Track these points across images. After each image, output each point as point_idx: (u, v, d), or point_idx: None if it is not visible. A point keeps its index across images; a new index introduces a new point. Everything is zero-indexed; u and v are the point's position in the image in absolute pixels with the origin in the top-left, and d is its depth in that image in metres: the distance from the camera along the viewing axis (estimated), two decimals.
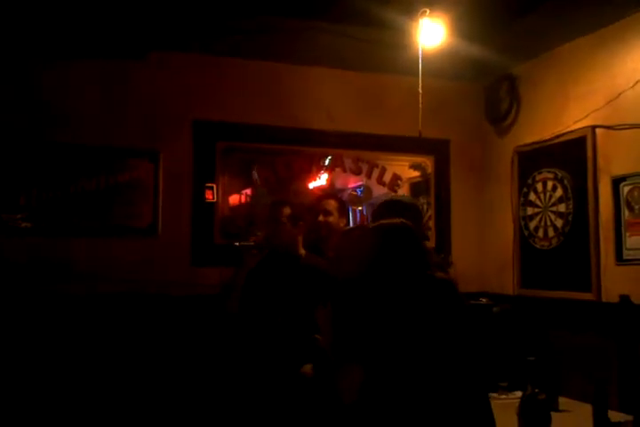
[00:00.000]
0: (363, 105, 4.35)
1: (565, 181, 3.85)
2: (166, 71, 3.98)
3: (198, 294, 3.69)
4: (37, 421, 3.41)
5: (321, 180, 4.41)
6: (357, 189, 4.76)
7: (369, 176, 4.44)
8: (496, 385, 3.09)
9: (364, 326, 1.93)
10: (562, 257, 3.84)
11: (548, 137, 3.99)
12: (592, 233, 3.61)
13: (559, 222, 3.88)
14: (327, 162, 4.36)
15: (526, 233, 4.15)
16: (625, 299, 3.34)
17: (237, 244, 3.32)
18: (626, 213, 3.44)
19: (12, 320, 3.49)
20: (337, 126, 4.27)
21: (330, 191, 4.24)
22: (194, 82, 4.03)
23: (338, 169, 4.39)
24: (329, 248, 3.46)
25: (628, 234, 3.42)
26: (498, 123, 4.47)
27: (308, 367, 3.01)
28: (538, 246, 4.05)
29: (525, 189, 4.18)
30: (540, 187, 4.07)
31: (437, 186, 4.55)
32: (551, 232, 3.95)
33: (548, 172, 4.00)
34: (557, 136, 3.92)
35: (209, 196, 3.99)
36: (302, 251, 3.33)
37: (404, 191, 4.49)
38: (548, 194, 4.00)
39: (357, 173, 4.42)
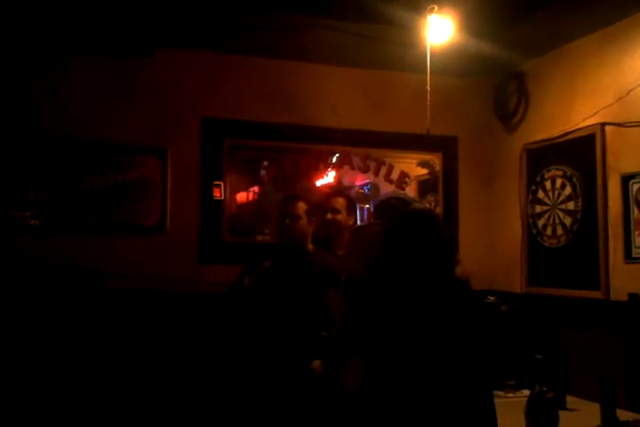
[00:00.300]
0: (370, 102, 4.34)
1: (574, 179, 3.83)
2: (174, 69, 3.99)
3: (206, 292, 3.70)
4: (43, 416, 3.43)
5: (328, 177, 4.40)
6: (365, 187, 4.76)
7: (376, 174, 4.43)
8: (503, 383, 3.08)
9: (373, 319, 1.91)
10: (570, 255, 3.82)
11: (556, 134, 3.97)
12: (601, 231, 3.59)
13: (568, 220, 3.87)
14: (334, 159, 4.35)
15: (534, 231, 4.14)
16: (634, 297, 3.32)
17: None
18: (635, 211, 3.41)
19: (20, 316, 3.52)
20: (344, 124, 4.26)
21: (338, 189, 4.24)
22: (201, 79, 4.04)
23: (345, 167, 4.38)
24: (338, 246, 3.46)
25: (637, 232, 3.40)
26: (506, 120, 4.45)
27: (316, 364, 3.02)
28: (546, 244, 4.03)
29: (534, 187, 4.17)
30: (548, 184, 4.05)
31: (445, 183, 4.54)
32: (560, 230, 3.93)
33: (557, 169, 3.98)
34: (566, 133, 3.89)
35: (216, 193, 4.00)
36: (310, 247, 3.33)
37: (411, 189, 4.48)
38: (556, 192, 3.98)
39: (365, 170, 4.42)
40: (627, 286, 3.40)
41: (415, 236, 1.97)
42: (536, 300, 4.03)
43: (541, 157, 4.12)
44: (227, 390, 3.46)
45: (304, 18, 3.48)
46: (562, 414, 2.36)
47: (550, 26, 3.66)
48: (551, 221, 4.01)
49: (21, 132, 3.68)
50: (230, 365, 3.42)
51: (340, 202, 3.54)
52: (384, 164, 4.42)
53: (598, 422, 2.37)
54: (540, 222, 4.09)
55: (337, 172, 4.39)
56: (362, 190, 4.73)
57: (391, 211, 2.08)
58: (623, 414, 2.44)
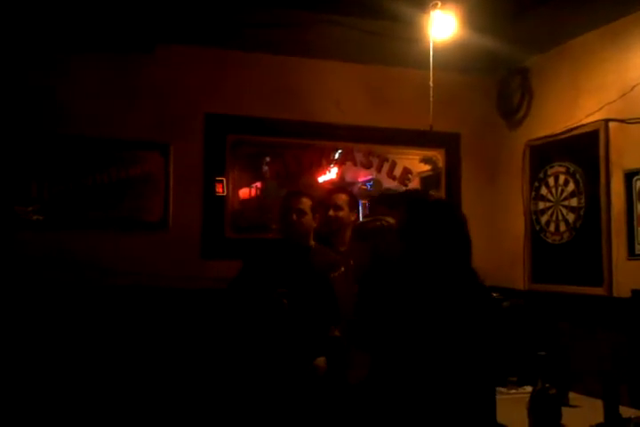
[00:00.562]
0: (373, 98, 4.33)
1: (577, 175, 3.82)
2: (177, 65, 3.98)
3: (209, 288, 3.70)
4: (45, 412, 3.44)
5: (331, 173, 4.39)
6: (367, 183, 4.74)
7: (379, 170, 4.42)
8: (506, 380, 3.08)
9: (383, 314, 1.90)
10: (573, 252, 3.82)
11: (560, 131, 3.96)
12: (604, 228, 3.59)
13: (571, 217, 3.86)
14: (337, 155, 4.35)
15: (537, 227, 4.13)
16: (637, 294, 3.31)
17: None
18: (638, 208, 3.40)
19: (22, 312, 3.52)
20: (347, 120, 4.26)
21: (340, 185, 4.23)
22: (204, 75, 4.03)
23: (348, 163, 4.38)
24: (340, 242, 3.46)
25: None
26: (509, 116, 4.43)
27: (320, 360, 3.02)
28: (549, 241, 4.03)
29: (537, 184, 4.16)
30: (551, 181, 4.04)
31: (448, 180, 4.54)
32: (562, 227, 3.92)
33: (560, 166, 3.97)
34: (570, 130, 3.88)
35: (219, 189, 4.00)
36: (312, 242, 3.33)
37: (414, 185, 4.47)
38: (559, 188, 3.97)
39: (368, 166, 4.41)
40: (630, 283, 3.39)
41: (440, 225, 1.96)
42: (539, 296, 4.03)
43: (544, 153, 4.11)
44: (230, 387, 3.46)
45: (307, 14, 3.48)
46: (564, 410, 2.36)
47: (554, 22, 3.65)
48: (554, 218, 4.00)
49: (24, 128, 3.67)
50: (234, 362, 3.42)
51: (342, 198, 3.54)
52: (387, 160, 4.41)
53: (601, 419, 2.37)
54: (543, 219, 4.09)
55: (339, 168, 4.39)
56: (364, 186, 4.71)
57: (411, 201, 2.07)
58: (626, 411, 2.44)
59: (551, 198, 4.04)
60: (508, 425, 2.26)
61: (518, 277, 4.24)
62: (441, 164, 4.53)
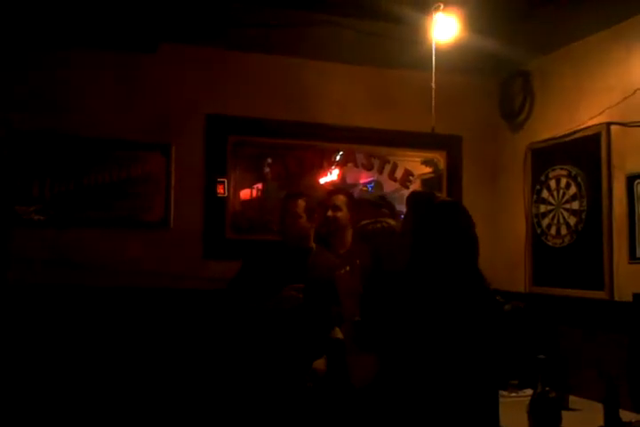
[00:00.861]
0: (375, 100, 4.33)
1: (579, 179, 3.82)
2: (178, 65, 3.98)
3: (210, 289, 3.70)
4: (48, 413, 3.44)
5: (332, 175, 4.39)
6: (368, 185, 4.74)
7: (380, 172, 4.42)
8: (506, 383, 3.08)
9: (390, 316, 1.88)
10: (574, 255, 3.81)
11: (561, 133, 3.95)
12: (605, 231, 3.58)
13: (572, 220, 3.85)
14: (339, 157, 4.35)
15: (539, 231, 4.12)
16: (638, 297, 3.31)
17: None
18: None
19: (23, 312, 3.52)
20: (349, 121, 4.25)
21: (339, 186, 4.23)
22: (205, 76, 4.03)
23: (350, 164, 4.37)
24: (338, 243, 3.46)
25: None
26: (511, 119, 4.43)
27: (319, 363, 3.01)
28: (550, 244, 4.02)
29: (538, 187, 4.15)
30: (553, 184, 4.03)
31: (449, 182, 4.53)
32: (564, 230, 3.91)
33: (562, 169, 3.96)
34: (571, 133, 3.88)
35: (220, 190, 4.00)
36: (313, 244, 3.32)
37: (415, 187, 4.46)
38: (561, 191, 3.96)
39: (369, 168, 4.41)
40: (631, 287, 3.38)
41: (447, 227, 1.95)
42: (540, 300, 4.02)
43: (546, 156, 4.10)
44: (230, 388, 3.45)
45: (309, 14, 3.47)
46: (565, 414, 2.36)
47: (556, 24, 3.64)
48: (555, 221, 3.99)
49: (25, 127, 3.67)
50: (234, 363, 3.41)
51: (340, 199, 3.54)
52: (388, 162, 4.41)
53: (601, 423, 2.37)
54: (545, 222, 4.08)
55: (341, 169, 4.39)
56: (366, 188, 4.71)
57: (418, 203, 2.06)
58: (626, 415, 2.43)
59: (552, 201, 4.03)
60: None
61: (519, 280, 4.23)
62: (442, 166, 4.53)
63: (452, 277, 1.89)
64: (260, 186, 4.26)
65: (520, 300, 4.08)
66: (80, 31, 3.62)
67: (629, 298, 3.36)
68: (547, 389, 2.34)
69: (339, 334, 2.86)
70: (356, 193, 4.37)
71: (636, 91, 3.44)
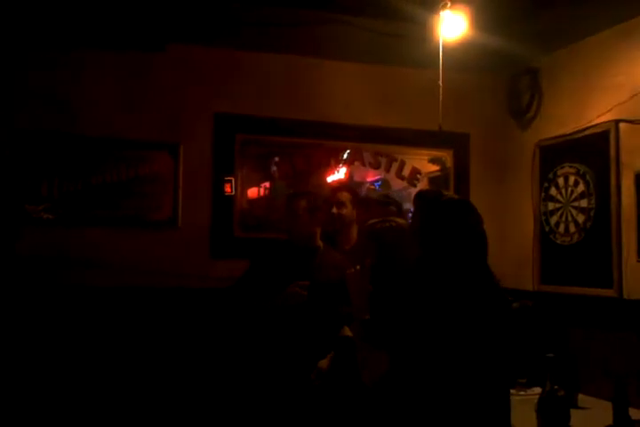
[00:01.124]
0: (382, 98, 4.32)
1: (587, 176, 3.80)
2: (186, 64, 3.99)
3: (218, 287, 3.70)
4: (48, 413, 3.45)
5: (339, 173, 4.39)
6: (376, 183, 4.74)
7: (388, 170, 4.42)
8: (515, 381, 3.07)
9: (401, 314, 1.88)
10: (583, 253, 3.80)
11: (570, 131, 3.94)
12: (614, 229, 3.56)
13: (580, 218, 3.84)
14: (346, 156, 4.35)
15: (547, 228, 4.11)
16: None
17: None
18: None
19: (31, 311, 3.54)
20: (356, 120, 4.25)
21: (344, 183, 4.23)
22: (214, 75, 4.04)
23: (357, 163, 4.38)
24: (344, 240, 3.46)
25: None
26: (519, 116, 4.42)
27: (323, 362, 3.01)
28: (559, 242, 4.01)
29: (546, 184, 4.14)
30: (561, 182, 4.02)
31: (457, 180, 4.52)
32: (572, 228, 3.90)
33: (570, 166, 3.95)
34: (580, 130, 3.86)
35: (228, 189, 4.01)
36: (320, 243, 3.32)
37: (423, 185, 4.46)
38: (569, 189, 3.95)
39: (376, 166, 4.41)
40: None
41: (455, 224, 1.95)
42: (548, 298, 4.01)
43: (554, 153, 4.08)
44: (237, 387, 3.46)
45: (316, 13, 3.47)
46: (573, 412, 2.36)
47: (564, 21, 3.62)
48: (564, 219, 3.98)
49: (34, 126, 3.69)
50: (241, 362, 3.42)
51: (344, 196, 3.55)
52: (395, 160, 4.41)
53: (610, 421, 2.36)
54: (553, 220, 4.07)
55: (348, 168, 4.39)
56: (373, 186, 4.72)
57: (426, 201, 2.06)
58: (636, 413, 2.43)
59: (561, 199, 4.02)
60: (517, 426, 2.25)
61: (527, 278, 4.22)
62: (450, 164, 4.52)
63: (461, 274, 1.89)
64: (267, 184, 4.27)
65: (528, 298, 4.07)
66: (89, 31, 3.64)
67: (638, 296, 3.35)
68: (555, 387, 2.33)
69: (348, 332, 2.87)
70: (363, 191, 4.38)
71: None
